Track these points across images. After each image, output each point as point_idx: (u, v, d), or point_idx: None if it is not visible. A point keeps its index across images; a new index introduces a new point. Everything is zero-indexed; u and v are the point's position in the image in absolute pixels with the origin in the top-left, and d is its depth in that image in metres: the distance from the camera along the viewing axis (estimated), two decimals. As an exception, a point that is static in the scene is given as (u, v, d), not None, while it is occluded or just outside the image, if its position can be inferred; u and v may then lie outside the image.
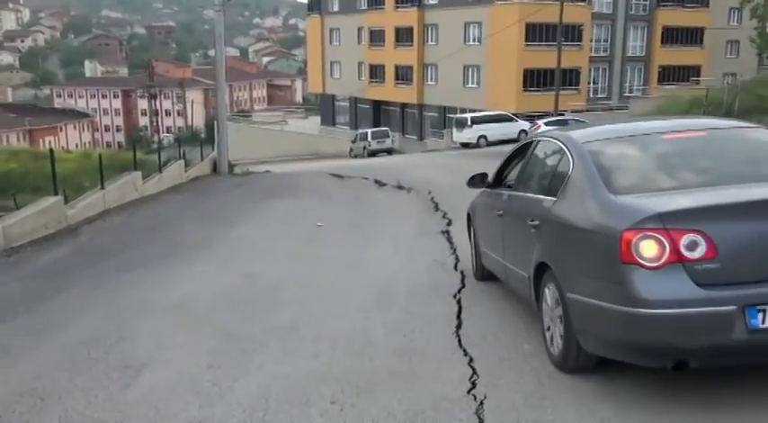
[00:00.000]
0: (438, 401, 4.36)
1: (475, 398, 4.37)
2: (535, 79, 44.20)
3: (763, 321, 3.73)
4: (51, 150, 13.96)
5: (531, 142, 6.01)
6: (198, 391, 4.75)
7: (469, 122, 36.23)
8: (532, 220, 5.06)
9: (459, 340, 5.45)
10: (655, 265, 3.82)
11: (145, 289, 7.75)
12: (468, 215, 7.52)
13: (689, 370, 3.97)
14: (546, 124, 28.93)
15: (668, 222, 3.83)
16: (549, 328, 4.84)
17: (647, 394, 4.26)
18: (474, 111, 39.86)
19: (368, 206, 14.33)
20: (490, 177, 6.64)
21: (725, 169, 4.53)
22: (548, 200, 4.94)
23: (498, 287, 6.93)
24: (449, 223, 11.02)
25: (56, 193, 12.25)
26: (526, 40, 43.70)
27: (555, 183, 4.96)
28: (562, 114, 34.78)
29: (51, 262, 9.61)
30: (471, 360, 5.00)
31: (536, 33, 43.53)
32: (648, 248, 3.83)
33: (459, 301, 6.51)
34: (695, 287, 3.77)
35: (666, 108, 22.96)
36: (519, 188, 5.79)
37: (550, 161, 5.32)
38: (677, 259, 3.80)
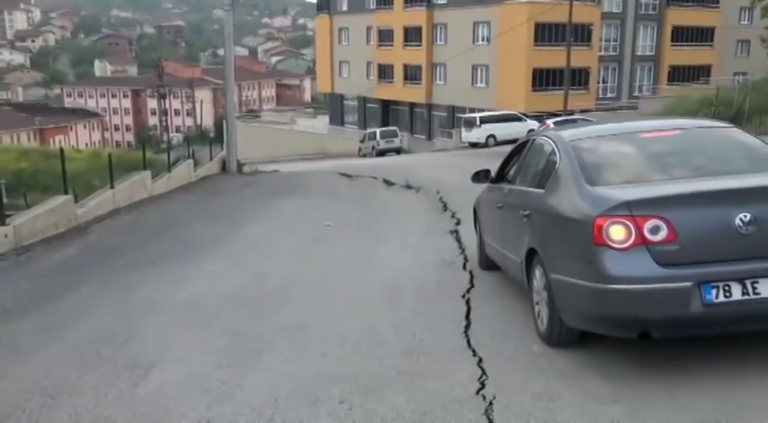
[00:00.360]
0: (447, 402, 4.35)
1: (484, 398, 4.36)
2: (544, 79, 44.09)
3: (717, 296, 4.24)
4: (62, 150, 14.02)
5: (528, 141, 6.54)
6: (207, 390, 4.76)
7: (478, 122, 36.17)
8: (525, 211, 5.63)
9: (468, 340, 5.44)
10: (622, 246, 4.35)
11: (154, 288, 7.77)
12: (474, 209, 8.11)
13: (693, 369, 4.38)
14: (555, 124, 28.82)
15: (634, 210, 4.38)
16: (537, 306, 5.40)
17: (658, 395, 4.25)
18: (483, 110, 39.80)
19: (376, 205, 14.33)
20: (493, 173, 7.18)
21: (689, 164, 5.10)
22: (538, 192, 5.48)
23: (506, 286, 6.92)
24: (457, 223, 11.01)
25: (66, 193, 12.31)
26: (535, 40, 43.59)
27: (544, 177, 5.49)
28: (571, 114, 34.67)
29: (61, 261, 9.66)
30: (480, 360, 4.99)
31: (545, 33, 43.42)
32: (617, 232, 4.37)
33: (467, 301, 6.50)
34: (657, 266, 4.30)
35: (676, 108, 22.84)
36: (516, 182, 6.34)
37: (542, 158, 5.82)
38: (641, 242, 4.34)
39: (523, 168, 6.30)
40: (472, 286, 7.06)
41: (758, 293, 4.26)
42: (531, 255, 5.42)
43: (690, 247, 4.33)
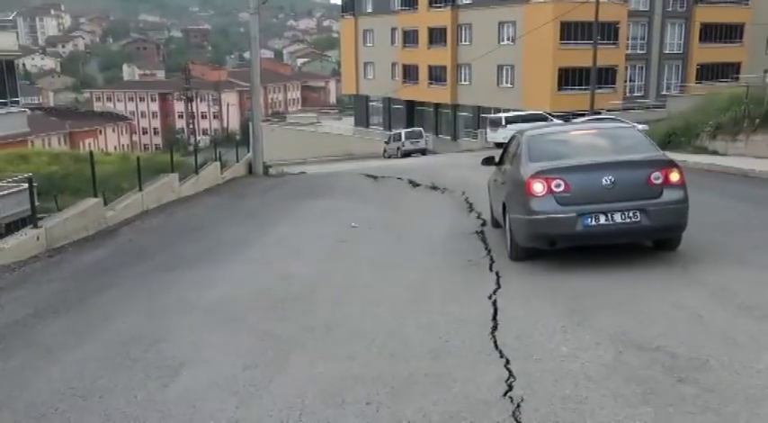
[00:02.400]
0: (474, 404, 4.34)
1: (512, 400, 4.33)
2: (570, 78, 43.72)
3: (591, 222, 7.28)
4: (91, 153, 14.22)
5: (513, 137, 9.34)
6: (235, 391, 4.79)
7: (504, 122, 35.90)
8: (503, 181, 8.83)
9: (495, 342, 5.41)
10: (540, 195, 7.42)
11: (183, 289, 7.84)
12: (488, 186, 10.83)
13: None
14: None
15: (546, 174, 7.47)
16: (507, 236, 8.34)
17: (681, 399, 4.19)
18: (508, 110, 39.58)
19: (402, 207, 14.32)
20: (496, 159, 9.89)
21: (589, 149, 8.13)
22: (510, 167, 8.62)
23: (533, 288, 6.88)
24: (483, 224, 10.96)
25: (95, 196, 12.48)
26: (561, 39, 43.24)
27: (515, 158, 8.49)
28: (598, 113, 34.34)
29: (92, 263, 9.79)
30: (507, 362, 4.96)
31: (571, 32, 43.05)
32: (537, 186, 7.44)
33: (494, 303, 6.47)
34: (558, 205, 7.36)
35: (705, 106, 22.50)
36: (504, 164, 9.29)
37: (515, 147, 8.79)
38: (550, 192, 7.40)
39: (508, 154, 9.23)
40: (499, 287, 7.03)
41: (614, 221, 7.29)
42: (505, 207, 8.48)
43: (577, 195, 7.37)
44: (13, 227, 16.25)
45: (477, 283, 7.28)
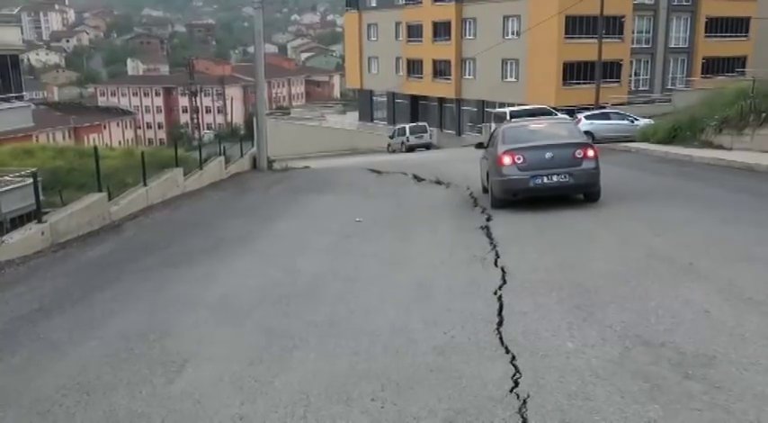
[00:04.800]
0: (480, 400, 4.31)
1: (518, 397, 4.31)
2: (575, 72, 43.54)
3: (537, 181, 11.32)
4: (95, 148, 14.21)
5: (496, 128, 13.80)
6: (240, 387, 4.77)
7: (508, 117, 35.80)
8: (487, 157, 12.79)
9: (501, 338, 5.39)
10: (506, 164, 11.47)
11: (187, 284, 7.84)
12: (480, 163, 14.19)
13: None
14: (586, 118, 28.46)
15: (511, 151, 11.52)
16: (489, 193, 12.41)
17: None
18: (513, 105, 39.47)
19: (406, 201, 14.29)
20: (485, 143, 13.94)
21: (539, 137, 12.06)
22: (491, 148, 12.49)
23: (539, 283, 6.84)
24: (488, 219, 10.94)
25: (100, 190, 12.47)
26: (566, 33, 43.03)
27: (493, 141, 12.58)
28: (603, 108, 34.20)
29: (96, 258, 9.78)
30: (513, 358, 4.93)
31: (576, 26, 42.85)
32: (506, 159, 11.48)
33: (500, 298, 6.44)
34: (518, 170, 11.40)
35: (711, 101, 22.39)
36: (488, 147, 13.09)
37: (495, 134, 12.78)
38: (513, 163, 11.44)
39: (491, 139, 13.13)
40: (504, 282, 7.00)
41: (552, 180, 11.28)
42: (487, 175, 12.58)
43: (530, 164, 11.33)
44: (17, 222, 16.22)
45: (483, 278, 7.25)
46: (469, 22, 50.52)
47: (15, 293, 7.85)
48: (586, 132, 26.89)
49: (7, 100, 21.44)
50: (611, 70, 43.96)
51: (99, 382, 5.08)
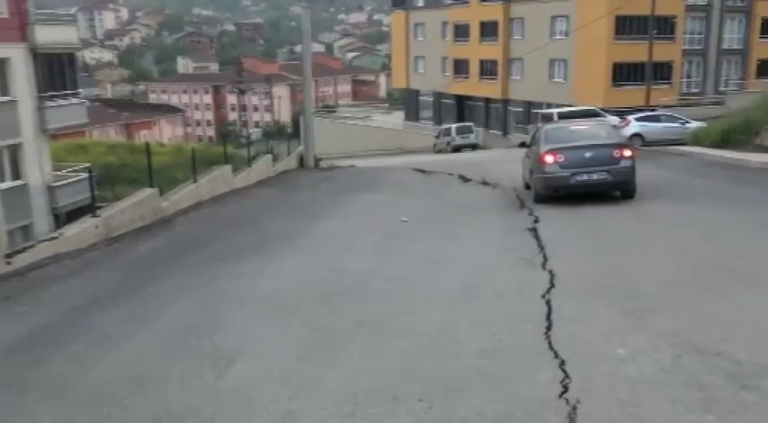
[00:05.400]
0: (528, 404, 4.28)
1: (567, 402, 4.26)
2: (625, 73, 42.77)
3: (578, 178, 12.09)
4: (147, 145, 14.51)
5: (538, 128, 14.75)
6: (288, 383, 4.83)
7: (555, 117, 35.41)
8: (530, 156, 13.53)
9: (550, 342, 5.33)
10: (549, 163, 12.26)
11: (236, 280, 7.95)
12: (522, 161, 15.05)
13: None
14: (636, 120, 27.94)
15: (553, 150, 12.33)
16: (532, 190, 13.16)
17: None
18: (560, 106, 39.01)
19: (452, 202, 14.24)
20: (528, 143, 15.42)
21: (579, 137, 12.79)
22: (534, 148, 13.24)
23: (589, 287, 6.76)
24: (536, 220, 10.83)
25: (152, 186, 12.73)
26: (616, 33, 42.32)
27: (536, 140, 13.42)
28: (653, 110, 33.55)
29: (148, 252, 9.99)
30: (563, 363, 4.88)
31: (626, 26, 42.09)
32: (548, 158, 12.27)
33: (548, 302, 6.37)
34: (560, 169, 12.20)
35: (766, 104, 21.79)
36: (531, 146, 14.05)
37: (538, 134, 13.53)
38: (555, 161, 12.22)
39: (533, 139, 14.07)
40: (552, 286, 6.92)
41: (591, 178, 12.06)
42: (531, 172, 13.28)
43: (571, 163, 12.10)
44: (71, 215, 16.71)
45: (530, 281, 7.18)
46: (517, 22, 50.08)
47: (72, 285, 8.07)
48: (636, 135, 26.45)
49: (64, 97, 22.02)
50: (662, 71, 43.07)
51: (152, 373, 5.19)
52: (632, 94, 39.63)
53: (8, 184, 19.65)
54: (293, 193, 16.76)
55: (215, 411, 4.50)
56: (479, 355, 5.15)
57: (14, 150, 20.58)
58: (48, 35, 21.29)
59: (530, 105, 47.97)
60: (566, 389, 4.44)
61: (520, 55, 48.65)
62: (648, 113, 30.63)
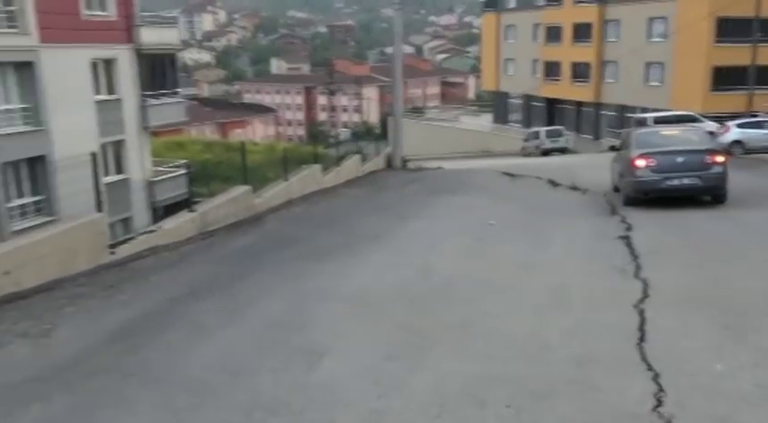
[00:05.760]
0: (620, 416, 4.18)
1: (660, 416, 4.13)
2: (725, 78, 40.95)
3: (671, 182, 12.37)
4: (243, 144, 14.96)
5: (627, 132, 15.18)
6: (376, 382, 4.88)
7: (651, 122, 34.29)
8: (620, 160, 13.99)
9: (643, 353, 5.18)
10: (640, 167, 12.57)
11: (324, 278, 8.08)
12: (611, 164, 15.39)
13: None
14: (738, 126, 26.72)
15: (645, 155, 12.62)
16: (621, 192, 13.51)
17: None
18: (656, 110, 37.74)
19: (541, 206, 14.02)
20: (617, 147, 16.53)
21: (670, 142, 13.12)
22: (624, 151, 13.77)
23: (686, 296, 6.52)
24: (628, 228, 10.53)
25: (246, 184, 13.11)
26: (717, 36, 40.61)
27: (626, 144, 13.80)
28: (756, 115, 31.99)
29: (240, 247, 10.30)
30: (657, 375, 4.73)
31: (728, 28, 40.24)
32: (639, 162, 12.59)
33: (641, 312, 6.19)
34: (651, 173, 12.50)
35: None
36: (620, 149, 14.63)
37: (628, 138, 13.99)
38: (646, 166, 12.53)
39: (623, 142, 14.63)
40: (646, 296, 6.72)
41: (683, 182, 12.35)
42: (620, 175, 13.57)
43: (662, 167, 12.42)
44: (168, 210, 17.42)
45: (622, 290, 7.00)
46: (612, 24, 48.76)
47: (170, 276, 8.42)
48: (736, 142, 25.32)
49: (165, 95, 22.98)
50: (766, 76, 41.07)
51: (244, 365, 5.36)
52: (733, 99, 37.95)
53: (112, 178, 20.64)
54: (381, 194, 16.89)
55: (304, 406, 4.60)
56: (569, 363, 5.06)
57: (118, 147, 21.61)
58: (152, 37, 22.27)
59: (623, 109, 46.61)
60: (660, 402, 4.31)
61: (614, 57, 47.37)
62: (750, 119, 29.25)
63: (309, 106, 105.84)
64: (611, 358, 5.14)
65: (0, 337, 6.25)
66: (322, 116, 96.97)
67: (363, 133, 51.79)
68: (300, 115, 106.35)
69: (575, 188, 16.10)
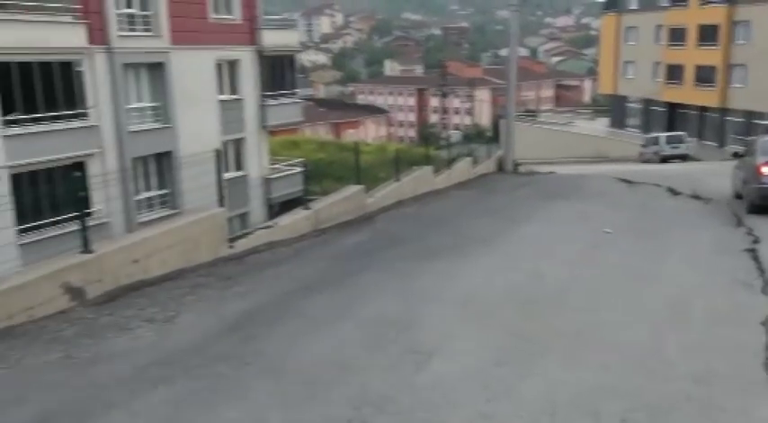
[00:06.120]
0: (744, 438, 3.97)
1: (791, 442, 3.90)
2: None
3: None
4: (356, 144, 15.20)
5: (753, 140, 14.52)
6: (485, 386, 4.85)
7: (782, 130, 32.23)
8: (743, 167, 13.83)
9: (771, 373, 4.90)
10: (767, 174, 12.33)
11: (433, 278, 8.11)
12: (732, 171, 15.26)
13: None
14: None
15: None
16: (746, 200, 13.08)
17: None
18: (790, 117, 35.43)
19: (659, 215, 13.47)
20: (740, 154, 15.37)
21: None
22: (748, 158, 13.53)
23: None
24: (755, 241, 9.95)
25: (358, 183, 13.33)
26: None
27: (751, 151, 13.70)
28: None
29: (352, 245, 10.49)
30: (787, 398, 4.47)
31: None
32: (765, 169, 12.36)
33: (769, 330, 5.85)
34: None
35: None
36: (744, 156, 14.38)
37: (753, 146, 13.78)
38: None
39: (748, 149, 14.42)
40: (775, 314, 6.33)
41: None
42: (744, 182, 13.32)
43: None
44: (283, 206, 17.98)
45: (747, 307, 6.63)
46: (741, 26, 46.15)
47: (285, 271, 8.70)
48: None
49: (284, 96, 23.74)
50: None
51: (353, 360, 5.46)
52: None
53: (232, 174, 21.50)
54: (491, 197, 16.75)
55: (412, 405, 4.63)
56: (690, 380, 4.85)
57: (239, 144, 22.50)
58: (273, 39, 23.04)
59: (751, 115, 44.05)
60: (790, 428, 4.06)
61: (743, 61, 44.82)
62: None
63: (421, 108, 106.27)
64: (735, 377, 4.89)
65: (129, 322, 6.67)
66: (434, 118, 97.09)
67: (475, 136, 51.48)
68: (412, 117, 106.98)
69: (696, 197, 15.37)
